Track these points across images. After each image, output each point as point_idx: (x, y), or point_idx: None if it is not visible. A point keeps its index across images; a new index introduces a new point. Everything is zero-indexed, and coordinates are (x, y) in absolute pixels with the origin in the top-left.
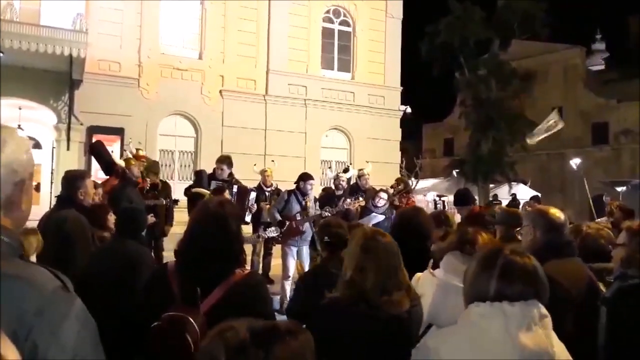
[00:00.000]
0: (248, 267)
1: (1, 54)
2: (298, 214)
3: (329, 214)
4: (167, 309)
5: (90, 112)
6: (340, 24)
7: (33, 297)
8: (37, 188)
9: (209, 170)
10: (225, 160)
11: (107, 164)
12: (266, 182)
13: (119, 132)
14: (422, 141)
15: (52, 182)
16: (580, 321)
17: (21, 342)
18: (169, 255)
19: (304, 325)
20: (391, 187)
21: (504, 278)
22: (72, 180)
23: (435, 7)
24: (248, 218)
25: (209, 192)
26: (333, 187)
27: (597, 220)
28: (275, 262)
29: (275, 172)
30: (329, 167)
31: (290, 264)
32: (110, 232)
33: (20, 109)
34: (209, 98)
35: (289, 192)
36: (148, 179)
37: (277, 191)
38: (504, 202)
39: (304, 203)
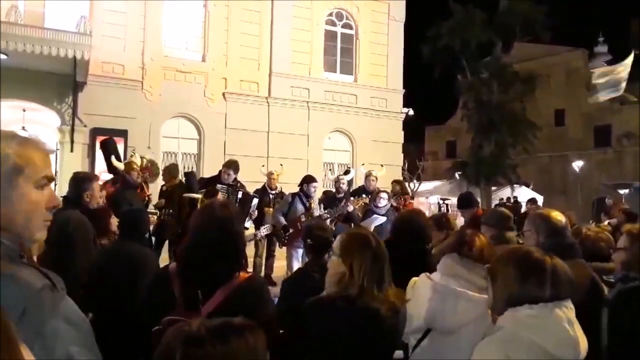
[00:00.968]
0: (250, 269)
1: (5, 56)
2: (302, 216)
3: (329, 216)
4: (168, 312)
5: (93, 114)
6: (342, 26)
7: (19, 297)
8: None
9: (213, 173)
10: (232, 165)
11: (110, 165)
12: (271, 184)
13: (122, 134)
14: (424, 143)
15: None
16: (584, 322)
17: None
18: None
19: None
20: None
21: (556, 280)
22: (80, 182)
23: (437, 10)
24: (248, 224)
25: (200, 196)
26: (334, 189)
27: (606, 222)
28: (278, 263)
29: (280, 175)
30: (330, 170)
31: (295, 266)
32: (113, 237)
33: (24, 111)
34: (212, 100)
35: (293, 194)
36: (148, 191)
37: (281, 194)
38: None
39: (308, 204)
